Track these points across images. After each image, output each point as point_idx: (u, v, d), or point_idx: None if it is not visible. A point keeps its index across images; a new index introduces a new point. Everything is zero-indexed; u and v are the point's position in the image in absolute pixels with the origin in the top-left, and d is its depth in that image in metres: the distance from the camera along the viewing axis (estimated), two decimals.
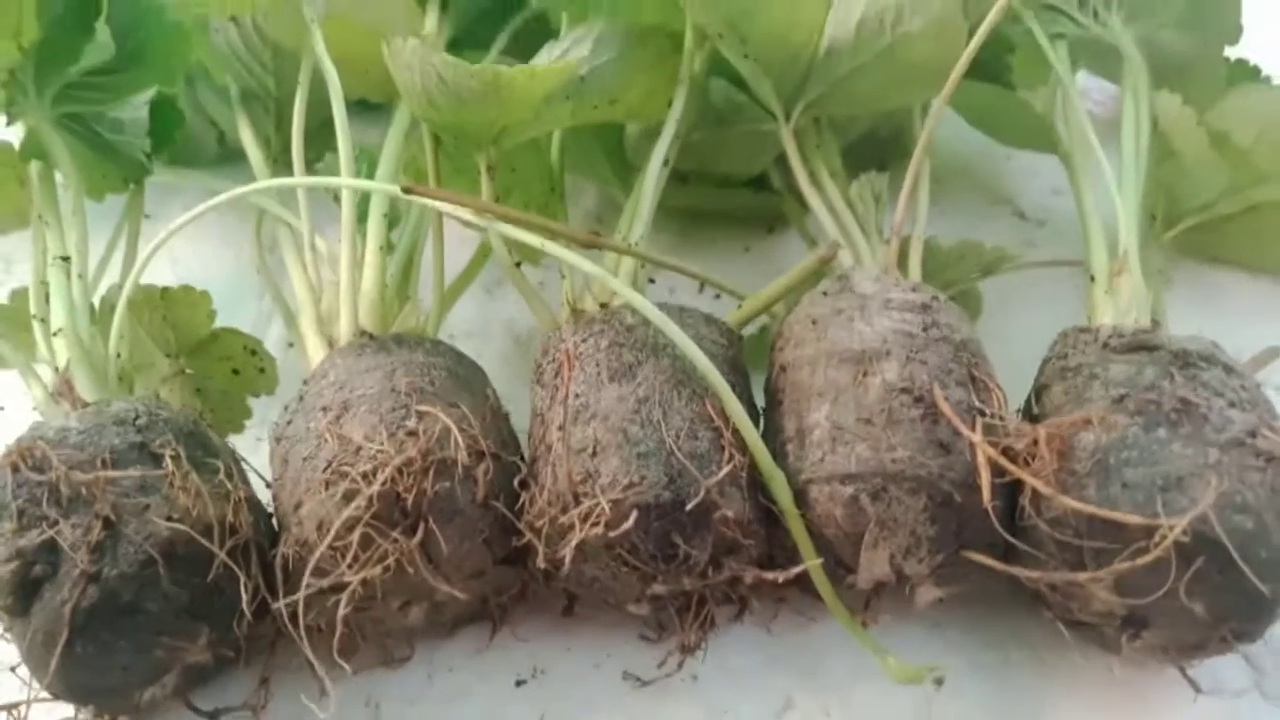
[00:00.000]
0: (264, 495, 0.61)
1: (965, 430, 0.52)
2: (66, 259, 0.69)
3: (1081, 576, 0.49)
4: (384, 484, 0.50)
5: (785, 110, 0.73)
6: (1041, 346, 0.78)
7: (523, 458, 0.58)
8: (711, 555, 0.52)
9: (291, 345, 0.80)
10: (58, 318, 0.64)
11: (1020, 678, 0.57)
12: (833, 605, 0.53)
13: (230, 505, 0.53)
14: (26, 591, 0.50)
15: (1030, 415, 0.58)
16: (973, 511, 0.52)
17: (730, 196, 0.86)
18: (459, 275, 0.76)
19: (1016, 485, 0.53)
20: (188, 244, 0.92)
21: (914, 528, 0.52)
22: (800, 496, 0.54)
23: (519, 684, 0.58)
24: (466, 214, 0.61)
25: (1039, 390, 0.59)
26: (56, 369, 0.62)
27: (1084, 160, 0.76)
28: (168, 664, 0.52)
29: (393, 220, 0.74)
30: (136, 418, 0.55)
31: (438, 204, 0.63)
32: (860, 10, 0.67)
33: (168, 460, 0.52)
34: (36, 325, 0.67)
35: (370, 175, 0.79)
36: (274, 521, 0.58)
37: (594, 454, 0.52)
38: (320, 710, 0.51)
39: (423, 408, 0.54)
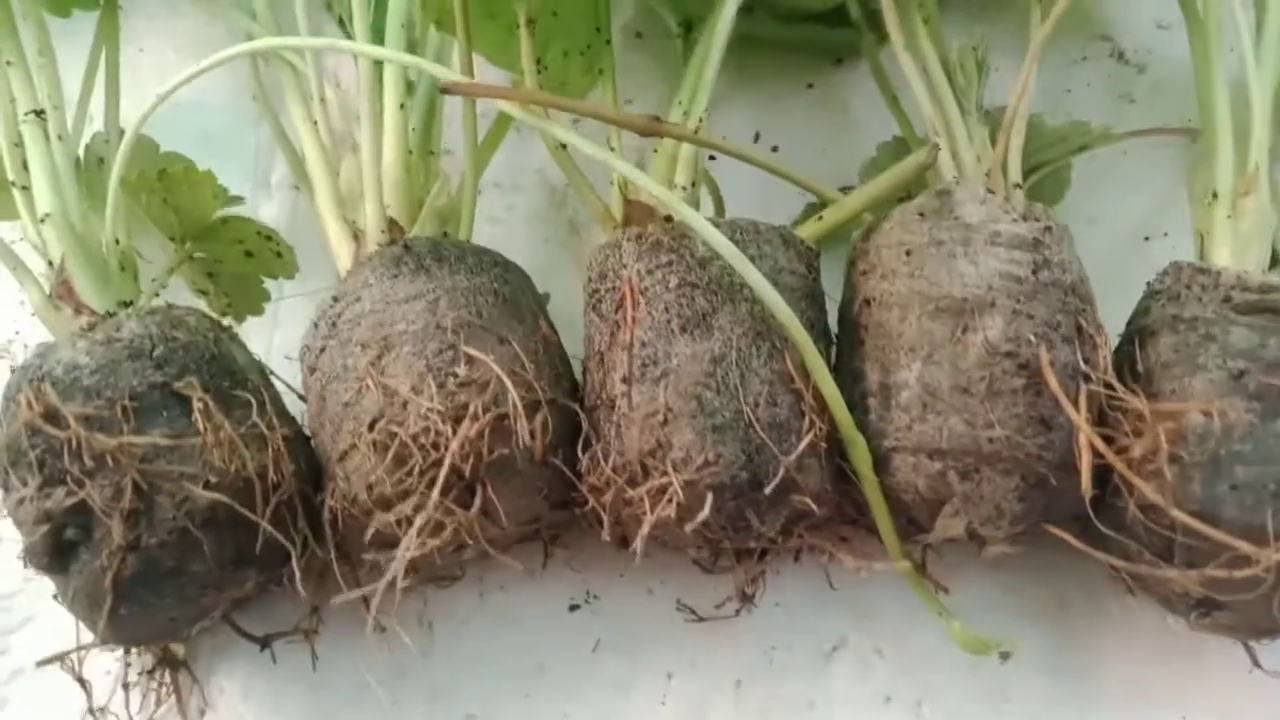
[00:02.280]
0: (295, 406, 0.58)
1: (1072, 413, 0.47)
2: (41, 113, 0.59)
3: (1172, 573, 0.47)
4: (437, 460, 0.46)
5: None
6: (1133, 232, 0.72)
7: (580, 397, 0.53)
8: (783, 525, 0.49)
9: (298, 188, 0.72)
10: (42, 197, 0.56)
11: (1077, 624, 0.57)
12: (911, 582, 0.51)
13: (270, 453, 0.49)
14: (62, 553, 0.47)
15: (1133, 363, 0.53)
16: (1065, 491, 0.49)
17: (798, 29, 0.74)
18: (486, 135, 0.67)
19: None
20: (174, 57, 0.81)
21: (1000, 503, 0.49)
22: (880, 461, 0.50)
23: (572, 609, 0.58)
24: (513, 107, 0.52)
25: (1144, 334, 0.54)
26: (50, 263, 0.56)
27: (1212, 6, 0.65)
28: (215, 606, 0.51)
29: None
30: (153, 347, 0.50)
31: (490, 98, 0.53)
32: None
33: (196, 411, 0.47)
34: (17, 194, 0.59)
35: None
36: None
37: (664, 422, 0.47)
38: (374, 629, 0.51)
39: (471, 350, 0.49)
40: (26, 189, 0.59)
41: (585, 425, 0.51)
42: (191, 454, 0.47)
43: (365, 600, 0.49)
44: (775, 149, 0.75)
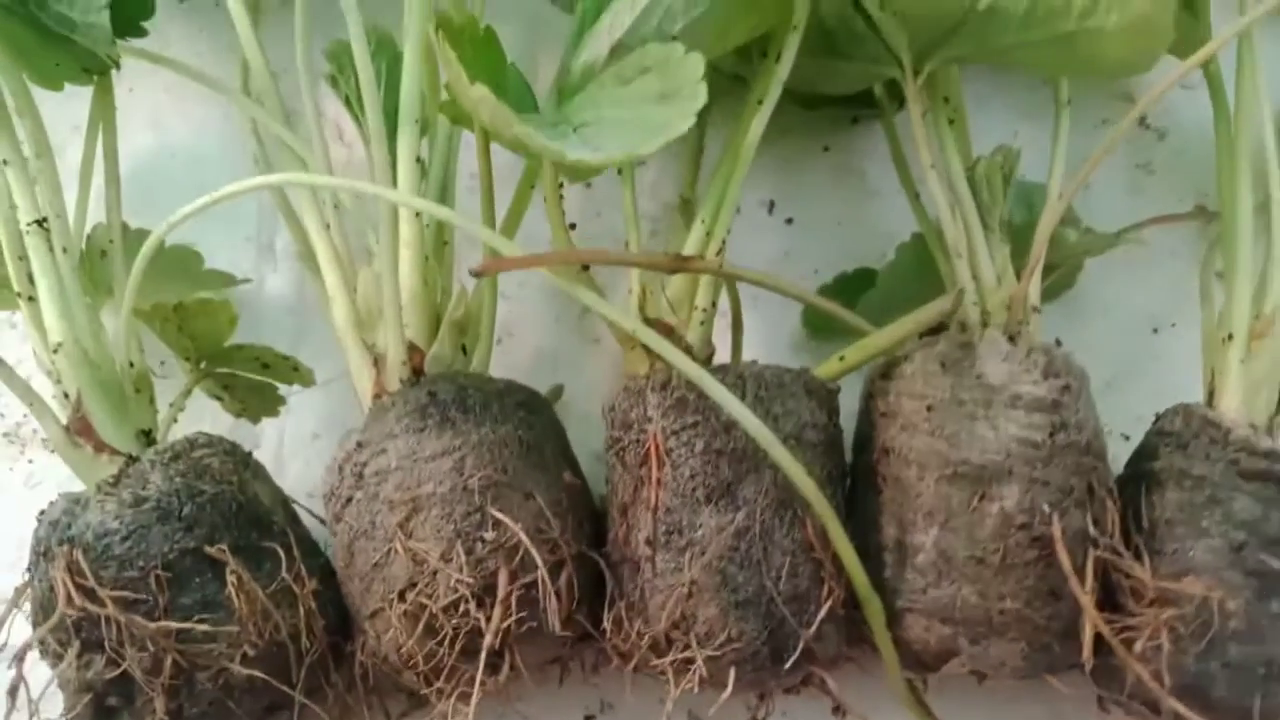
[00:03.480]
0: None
1: (1080, 594, 0.49)
2: (43, 222, 0.58)
3: None
4: (468, 630, 0.47)
5: (916, 63, 0.59)
6: (1143, 322, 0.73)
7: (603, 542, 0.54)
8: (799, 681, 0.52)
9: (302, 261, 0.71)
10: (53, 324, 0.55)
11: None
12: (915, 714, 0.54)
13: (301, 614, 0.50)
14: (105, 717, 0.48)
15: (1139, 512, 0.55)
16: (1067, 651, 0.51)
17: (819, 104, 0.72)
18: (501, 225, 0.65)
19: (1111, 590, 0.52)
20: (170, 100, 0.77)
21: (1005, 660, 0.52)
22: (893, 616, 0.52)
23: (588, 719, 0.61)
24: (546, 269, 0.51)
25: (1151, 481, 0.55)
26: (66, 395, 0.55)
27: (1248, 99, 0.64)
28: None
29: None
30: (181, 506, 0.50)
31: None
32: None
33: (230, 584, 0.48)
34: (24, 303, 0.58)
35: (392, 70, 0.65)
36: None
37: (689, 595, 0.49)
38: None
39: (498, 513, 0.50)
40: (33, 300, 0.58)
41: (610, 579, 0.53)
42: (226, 624, 0.48)
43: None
44: (790, 221, 0.74)
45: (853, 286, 0.71)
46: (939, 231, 0.61)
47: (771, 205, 0.74)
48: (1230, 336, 0.58)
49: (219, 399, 0.63)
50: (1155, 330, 0.72)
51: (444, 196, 0.64)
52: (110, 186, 0.63)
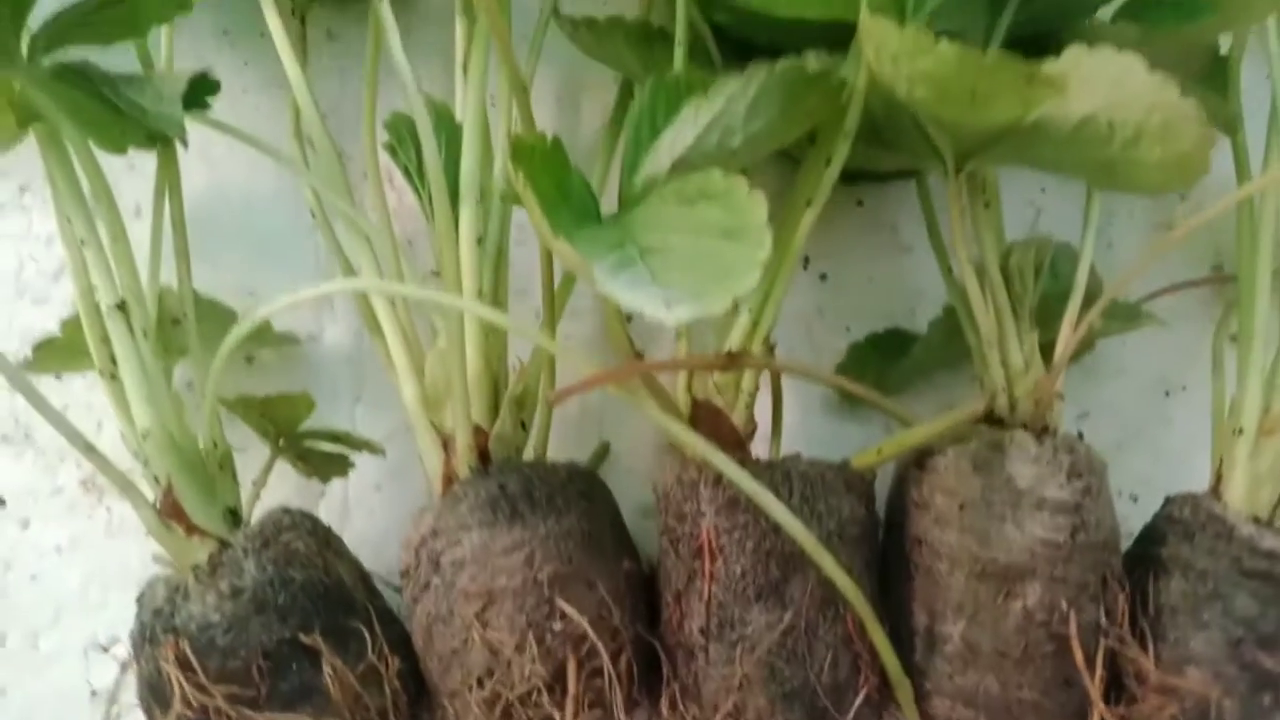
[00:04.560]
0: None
1: (1093, 691, 0.54)
2: (123, 306, 0.60)
3: None
4: (543, 717, 0.52)
5: (958, 162, 0.61)
6: (1156, 384, 0.76)
7: (654, 615, 0.59)
8: None
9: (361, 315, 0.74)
10: (140, 411, 0.58)
11: None
12: None
13: (387, 695, 0.55)
14: None
15: (1145, 596, 0.60)
16: None
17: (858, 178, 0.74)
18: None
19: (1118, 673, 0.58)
20: (222, 139, 0.78)
21: None
22: (919, 695, 0.58)
23: None
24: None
25: (1158, 566, 0.60)
26: (156, 479, 0.59)
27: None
28: None
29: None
30: (275, 595, 0.55)
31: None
32: (1090, 106, 0.53)
33: (326, 675, 0.53)
34: (106, 381, 0.61)
35: (450, 143, 0.67)
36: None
37: (740, 686, 0.54)
38: None
39: (565, 605, 0.55)
40: (116, 378, 0.61)
41: (665, 661, 0.58)
42: (327, 708, 0.53)
43: None
44: (824, 277, 0.77)
45: (884, 346, 0.75)
46: (970, 313, 0.65)
47: (806, 261, 0.77)
48: (1240, 430, 0.62)
49: (293, 464, 0.67)
50: (1167, 393, 0.76)
51: (499, 261, 0.67)
52: (180, 260, 0.65)
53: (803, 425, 0.72)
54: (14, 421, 0.73)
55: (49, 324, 0.74)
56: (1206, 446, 0.67)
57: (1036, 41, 0.65)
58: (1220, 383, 0.68)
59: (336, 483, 0.70)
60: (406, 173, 0.68)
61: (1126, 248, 0.78)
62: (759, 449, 0.64)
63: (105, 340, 0.60)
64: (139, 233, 0.70)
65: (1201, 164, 0.54)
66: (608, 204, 0.64)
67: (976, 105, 0.51)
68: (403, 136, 0.67)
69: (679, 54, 0.65)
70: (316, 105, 0.66)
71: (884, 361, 0.73)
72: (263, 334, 0.70)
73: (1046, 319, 0.66)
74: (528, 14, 0.71)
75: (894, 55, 0.49)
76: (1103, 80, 0.52)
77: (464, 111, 0.66)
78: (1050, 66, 0.52)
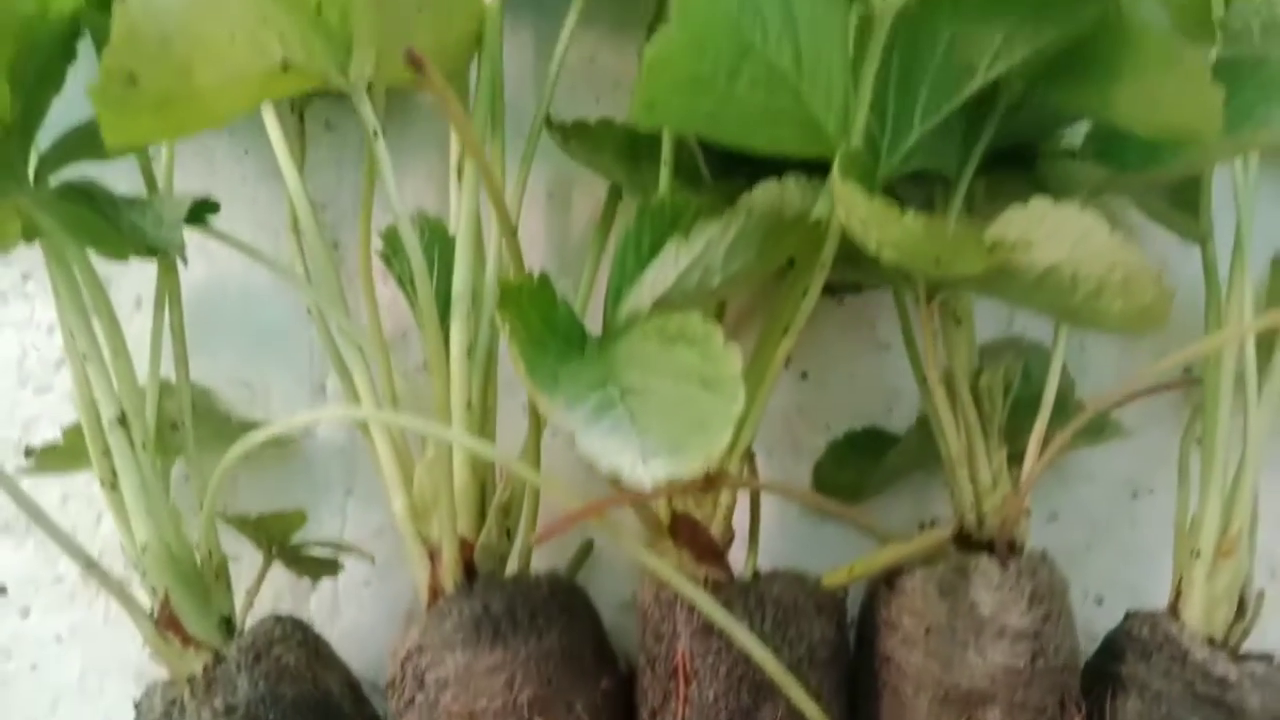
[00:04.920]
0: None
1: None
2: (124, 419, 0.62)
3: None
4: None
5: (929, 293, 0.64)
6: (1124, 486, 0.78)
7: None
8: None
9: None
10: (139, 524, 0.61)
11: None
12: None
13: None
14: None
15: (1102, 710, 0.63)
16: None
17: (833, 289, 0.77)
18: None
19: None
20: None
21: None
22: None
23: None
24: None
25: (1116, 683, 0.63)
26: (154, 589, 0.61)
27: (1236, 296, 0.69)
28: None
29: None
30: (268, 714, 0.57)
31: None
32: (1054, 259, 0.56)
33: None
34: (106, 491, 0.63)
35: (444, 254, 0.69)
36: None
37: None
38: None
39: None
40: (116, 489, 0.63)
41: None
42: None
43: None
44: (805, 375, 0.80)
45: (862, 445, 0.77)
46: (941, 429, 0.67)
47: (788, 360, 0.79)
48: (1198, 553, 0.64)
49: (285, 566, 0.69)
50: (1134, 495, 0.78)
51: (488, 366, 0.69)
52: (179, 365, 0.67)
53: (781, 527, 0.75)
54: (15, 511, 0.75)
55: (51, 412, 0.77)
56: (1171, 549, 0.69)
57: (1015, 153, 0.68)
58: (1185, 492, 0.71)
59: (326, 579, 0.73)
60: (399, 281, 0.70)
61: (1099, 349, 0.80)
62: (739, 552, 0.66)
63: (106, 453, 0.62)
64: (139, 325, 0.73)
65: (1162, 315, 0.56)
66: (595, 304, 0.67)
67: (942, 266, 0.53)
68: (397, 248, 0.69)
69: (664, 174, 0.67)
70: (312, 204, 0.68)
71: (862, 460, 0.76)
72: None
73: (1017, 427, 0.68)
74: (522, 115, 0.73)
75: (863, 220, 0.51)
76: (1066, 236, 0.54)
77: (457, 222, 0.68)
78: (1014, 226, 0.55)
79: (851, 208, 0.52)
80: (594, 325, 0.62)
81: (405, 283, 0.70)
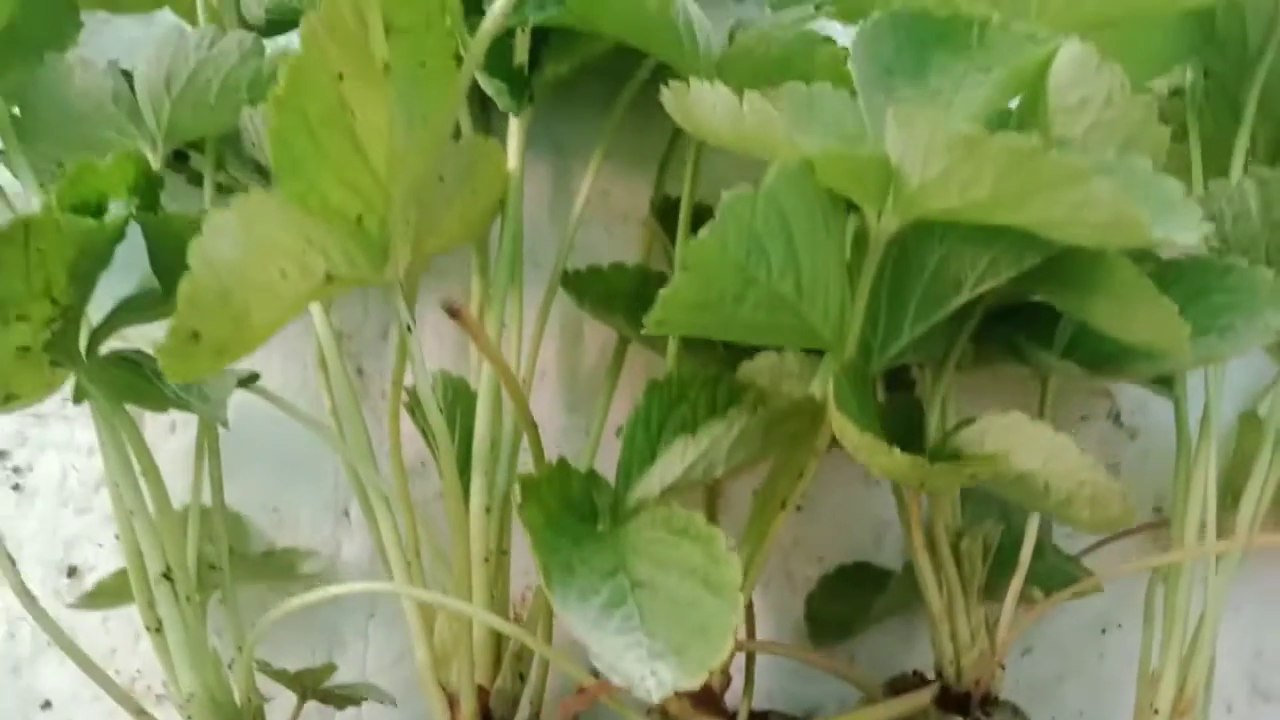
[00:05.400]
0: None
1: None
2: (169, 574, 0.68)
3: None
4: None
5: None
6: (1093, 622, 0.84)
7: None
8: None
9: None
10: (184, 677, 0.66)
11: None
12: None
13: None
14: None
15: None
16: None
17: None
18: None
19: None
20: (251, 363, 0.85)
21: None
22: None
23: None
24: None
25: None
26: None
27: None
28: None
29: None
30: None
31: None
32: (1029, 467, 0.61)
33: None
34: (151, 635, 0.69)
35: (466, 412, 0.74)
36: None
37: None
38: None
39: None
40: (160, 632, 0.68)
41: None
42: None
43: None
44: (799, 508, 0.85)
45: (853, 579, 0.82)
46: (925, 588, 0.72)
47: (784, 502, 0.85)
48: (1156, 711, 0.70)
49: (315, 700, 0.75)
50: (1104, 630, 0.84)
51: (504, 518, 0.74)
52: (216, 513, 0.72)
53: (775, 666, 0.80)
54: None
55: (91, 533, 0.82)
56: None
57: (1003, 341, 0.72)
58: (1149, 634, 0.76)
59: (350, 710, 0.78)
60: (423, 434, 0.75)
61: None
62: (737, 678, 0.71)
63: (151, 603, 0.67)
64: (174, 446, 0.78)
65: (1127, 521, 0.62)
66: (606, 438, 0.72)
67: (926, 487, 0.58)
68: (420, 405, 0.74)
69: (672, 348, 0.72)
70: (337, 336, 0.73)
71: (853, 594, 0.81)
72: (287, 565, 0.77)
73: (998, 578, 0.74)
74: (537, 243, 0.77)
75: (855, 446, 0.56)
76: (1038, 451, 0.59)
77: (479, 380, 0.73)
78: (990, 437, 0.60)
79: (844, 433, 0.57)
80: (603, 464, 0.67)
81: (428, 437, 0.75)
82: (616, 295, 0.78)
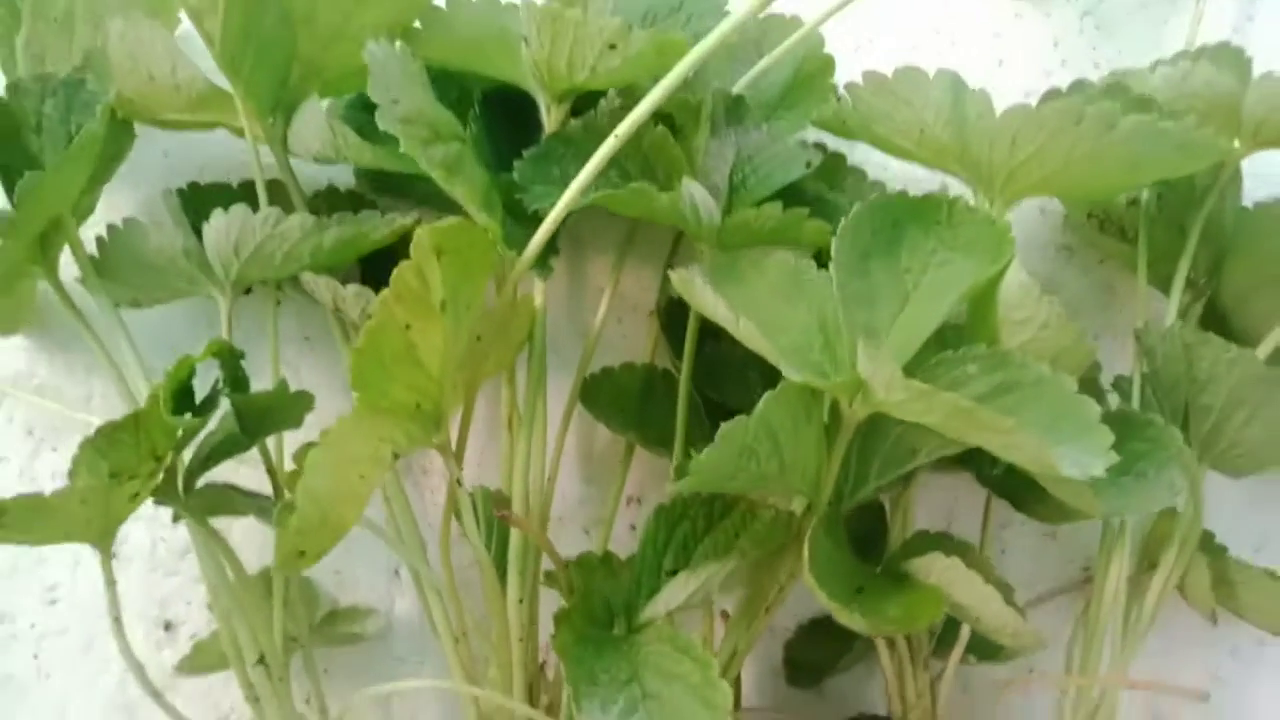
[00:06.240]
0: None
1: None
2: (263, 659, 0.82)
3: None
4: None
5: None
6: (1021, 669, 1.00)
7: None
8: None
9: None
10: None
11: None
12: None
13: None
14: None
15: None
16: None
17: None
18: None
19: None
20: None
21: None
22: None
23: None
24: None
25: None
26: None
27: None
28: None
29: None
30: None
31: None
32: (964, 600, 0.75)
33: None
34: (252, 705, 0.84)
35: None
36: None
37: None
38: None
39: None
40: (259, 703, 0.84)
41: None
42: None
43: None
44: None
45: (825, 628, 0.98)
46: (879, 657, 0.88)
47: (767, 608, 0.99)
48: None
49: None
50: (1030, 670, 1.00)
51: (534, 596, 0.89)
52: (294, 588, 0.87)
53: (759, 692, 0.97)
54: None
55: (182, 590, 0.96)
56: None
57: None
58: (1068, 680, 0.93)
59: None
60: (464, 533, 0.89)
61: (1018, 550, 1.00)
62: None
63: (250, 686, 0.83)
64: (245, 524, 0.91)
65: (1039, 649, 0.76)
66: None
67: (891, 623, 0.73)
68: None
69: (678, 447, 0.84)
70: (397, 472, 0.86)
71: (827, 642, 0.97)
72: (350, 626, 0.92)
73: (945, 644, 0.89)
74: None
75: (825, 600, 0.70)
76: (973, 593, 0.73)
77: (510, 486, 0.86)
78: (933, 573, 0.74)
79: (815, 588, 0.71)
80: (618, 544, 0.83)
81: (470, 537, 0.89)
82: (626, 395, 0.91)
